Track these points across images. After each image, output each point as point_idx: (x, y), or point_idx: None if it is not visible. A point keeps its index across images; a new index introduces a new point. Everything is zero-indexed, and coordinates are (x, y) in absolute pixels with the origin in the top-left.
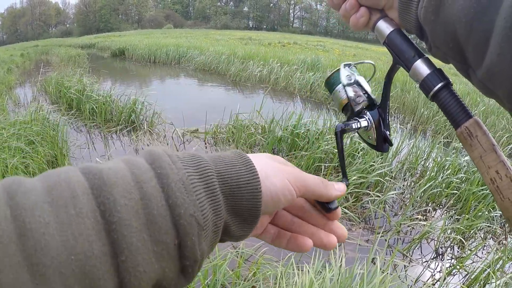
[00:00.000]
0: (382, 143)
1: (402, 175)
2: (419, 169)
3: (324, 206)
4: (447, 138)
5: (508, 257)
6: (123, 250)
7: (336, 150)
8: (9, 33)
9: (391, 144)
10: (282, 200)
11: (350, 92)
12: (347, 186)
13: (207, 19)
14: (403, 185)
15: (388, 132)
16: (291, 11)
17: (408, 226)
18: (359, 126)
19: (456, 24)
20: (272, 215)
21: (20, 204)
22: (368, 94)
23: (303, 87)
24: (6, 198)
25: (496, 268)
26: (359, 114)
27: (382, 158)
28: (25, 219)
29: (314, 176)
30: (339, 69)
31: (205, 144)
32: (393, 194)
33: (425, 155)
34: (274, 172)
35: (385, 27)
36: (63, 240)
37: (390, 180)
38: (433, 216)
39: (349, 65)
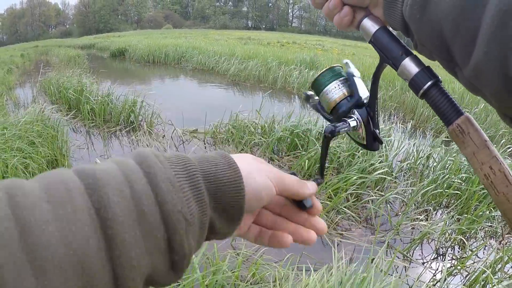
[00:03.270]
0: (372, 142)
1: (403, 175)
2: (420, 168)
3: (300, 204)
4: (447, 138)
5: (509, 257)
6: (117, 245)
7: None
8: (9, 33)
9: (381, 142)
10: (264, 197)
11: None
12: (319, 184)
13: (206, 19)
14: (404, 185)
15: (377, 131)
16: (290, 10)
17: (409, 226)
18: (348, 127)
19: (442, 22)
20: (255, 214)
21: (21, 204)
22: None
23: (301, 86)
24: (7, 198)
25: (498, 268)
26: (347, 114)
27: (382, 157)
28: (25, 218)
29: (291, 175)
30: (330, 68)
31: (205, 144)
32: (393, 194)
33: (425, 155)
34: (256, 171)
35: (370, 26)
36: (62, 236)
37: (391, 180)
38: (433, 216)
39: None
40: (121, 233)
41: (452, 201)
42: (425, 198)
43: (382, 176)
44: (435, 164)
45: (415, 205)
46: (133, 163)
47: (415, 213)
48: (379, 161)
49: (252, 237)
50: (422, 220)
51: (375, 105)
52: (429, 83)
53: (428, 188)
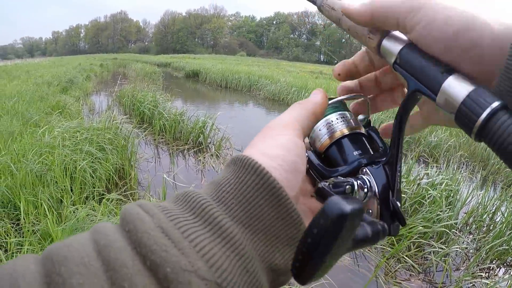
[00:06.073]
0: (389, 221)
1: (468, 228)
2: (487, 222)
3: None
4: None
5: None
6: None
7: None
8: (91, 43)
9: (404, 223)
10: (300, 165)
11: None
12: None
13: (279, 50)
14: (468, 239)
15: (399, 204)
16: (362, 47)
17: (469, 283)
18: (351, 190)
19: None
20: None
21: None
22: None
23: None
24: None
25: None
26: (355, 173)
27: (450, 208)
28: None
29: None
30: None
31: None
32: (457, 248)
33: (494, 208)
34: (267, 142)
35: (392, 45)
36: None
37: (456, 232)
38: (496, 275)
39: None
40: None
41: None
42: (489, 254)
43: (445, 229)
44: (503, 219)
45: (477, 260)
46: (111, 226)
47: (478, 269)
48: (446, 211)
49: None
50: (484, 278)
51: (399, 161)
52: (490, 109)
53: (493, 244)
